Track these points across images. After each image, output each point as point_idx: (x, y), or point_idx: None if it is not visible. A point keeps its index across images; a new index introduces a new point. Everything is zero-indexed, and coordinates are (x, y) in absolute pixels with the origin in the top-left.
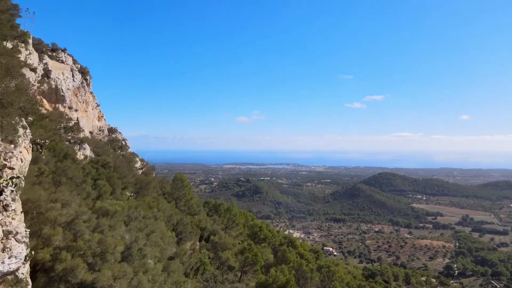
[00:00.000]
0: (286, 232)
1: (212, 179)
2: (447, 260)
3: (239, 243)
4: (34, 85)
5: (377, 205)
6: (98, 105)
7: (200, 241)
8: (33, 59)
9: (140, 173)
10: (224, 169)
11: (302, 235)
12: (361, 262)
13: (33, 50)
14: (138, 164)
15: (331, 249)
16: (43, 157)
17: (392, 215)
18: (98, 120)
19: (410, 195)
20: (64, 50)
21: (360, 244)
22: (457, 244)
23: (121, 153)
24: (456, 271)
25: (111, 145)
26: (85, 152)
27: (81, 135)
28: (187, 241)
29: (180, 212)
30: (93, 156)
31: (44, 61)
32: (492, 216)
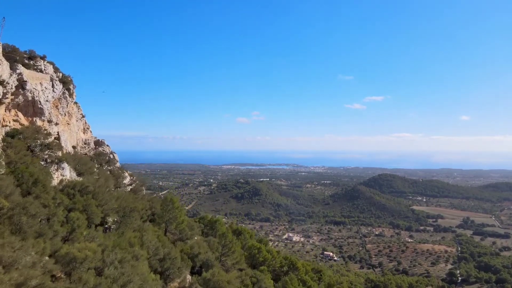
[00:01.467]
0: (286, 236)
1: (211, 180)
2: (449, 266)
3: (237, 270)
4: (7, 98)
5: (377, 207)
6: (83, 116)
7: (192, 273)
8: (2, 70)
9: (129, 189)
10: (223, 169)
11: (302, 239)
12: (362, 267)
13: (3, 59)
14: (127, 180)
15: (331, 254)
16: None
17: (392, 218)
18: (84, 133)
19: (410, 197)
20: (43, 58)
21: (360, 248)
22: (459, 248)
23: (108, 168)
24: (460, 278)
25: (97, 159)
26: (64, 173)
27: (63, 151)
28: (176, 278)
29: (172, 235)
30: (74, 175)
31: (18, 71)
32: (493, 218)
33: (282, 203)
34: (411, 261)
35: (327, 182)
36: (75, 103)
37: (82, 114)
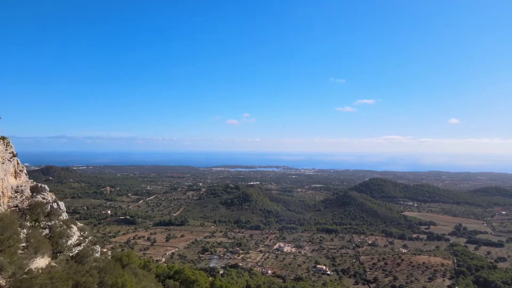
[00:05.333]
0: (276, 246)
1: (201, 183)
2: (447, 281)
3: None
4: None
5: (369, 213)
6: (14, 155)
7: None
8: None
9: (75, 252)
10: (213, 172)
11: (293, 249)
12: (356, 283)
13: None
14: (74, 239)
15: (324, 267)
16: None
17: (384, 225)
18: (15, 177)
19: (402, 202)
20: None
21: (354, 260)
22: (455, 260)
23: (48, 223)
24: None
25: (31, 213)
26: None
27: None
28: None
29: None
30: None
31: None
32: (485, 224)
33: (272, 210)
34: (407, 276)
35: (318, 186)
36: (2, 138)
37: (12, 152)
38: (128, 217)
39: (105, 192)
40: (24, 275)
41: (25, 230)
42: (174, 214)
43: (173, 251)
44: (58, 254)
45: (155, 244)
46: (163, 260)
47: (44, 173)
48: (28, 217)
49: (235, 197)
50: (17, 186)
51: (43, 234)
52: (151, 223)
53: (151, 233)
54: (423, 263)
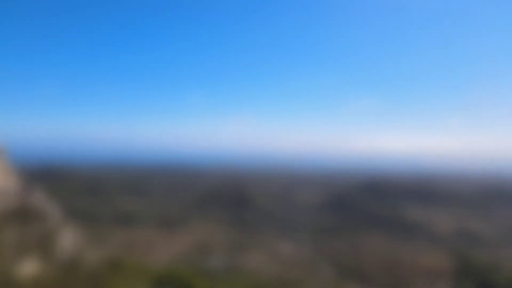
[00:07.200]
0: (276, 248)
1: (200, 183)
2: (449, 283)
3: None
4: None
5: (370, 215)
6: (3, 156)
7: None
8: None
9: (68, 256)
10: (213, 172)
11: (293, 252)
12: (357, 284)
13: None
14: (67, 242)
15: (324, 269)
16: None
17: (385, 227)
18: (4, 177)
19: (403, 203)
20: None
21: (355, 262)
22: (457, 262)
23: (39, 226)
24: None
25: (21, 215)
26: None
27: None
28: None
29: None
30: None
31: None
32: (486, 226)
33: (273, 210)
34: (409, 279)
35: (319, 186)
36: None
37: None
38: (127, 217)
39: (104, 192)
40: (8, 282)
41: (13, 234)
42: (174, 215)
43: (172, 252)
44: (49, 259)
45: (154, 245)
46: (162, 261)
47: (43, 173)
48: (18, 219)
49: (235, 197)
50: (6, 187)
51: (33, 237)
52: (151, 223)
53: (150, 234)
54: (425, 265)
